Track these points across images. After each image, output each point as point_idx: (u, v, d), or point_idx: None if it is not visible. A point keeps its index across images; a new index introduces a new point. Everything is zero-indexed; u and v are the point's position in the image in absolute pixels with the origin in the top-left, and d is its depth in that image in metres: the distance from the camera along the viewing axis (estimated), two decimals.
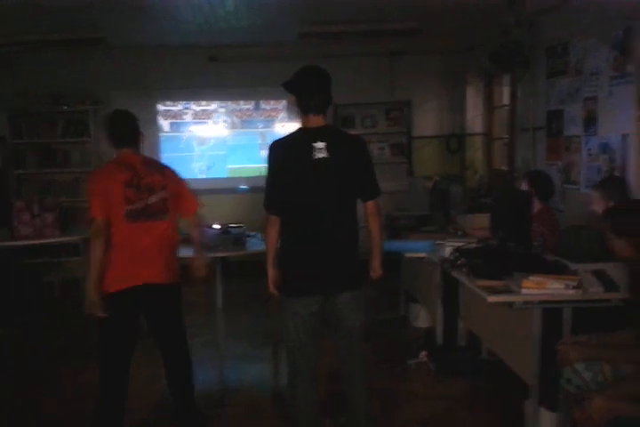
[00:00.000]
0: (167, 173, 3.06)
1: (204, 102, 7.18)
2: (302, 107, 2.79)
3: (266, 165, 2.83)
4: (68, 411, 3.55)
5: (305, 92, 2.77)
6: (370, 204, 2.86)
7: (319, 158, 2.69)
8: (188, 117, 7.19)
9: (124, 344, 2.94)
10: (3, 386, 3.96)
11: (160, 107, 7.09)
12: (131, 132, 3.02)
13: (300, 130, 2.85)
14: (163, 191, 2.96)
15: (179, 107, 7.15)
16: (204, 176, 7.20)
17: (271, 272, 2.84)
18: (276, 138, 2.91)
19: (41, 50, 6.13)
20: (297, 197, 2.74)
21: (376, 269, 2.93)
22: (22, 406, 3.67)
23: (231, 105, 7.23)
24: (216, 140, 7.24)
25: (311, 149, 2.69)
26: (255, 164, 7.16)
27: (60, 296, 6.03)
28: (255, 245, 4.75)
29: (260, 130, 7.30)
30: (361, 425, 2.94)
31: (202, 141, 7.22)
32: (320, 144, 2.69)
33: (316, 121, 2.79)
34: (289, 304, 2.81)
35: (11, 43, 5.83)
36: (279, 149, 2.81)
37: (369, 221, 2.88)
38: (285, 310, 2.82)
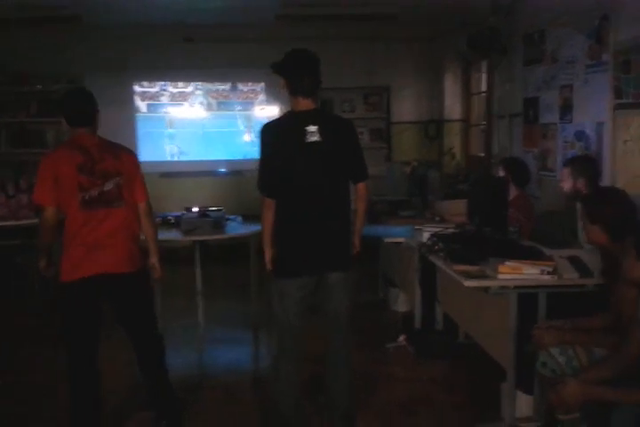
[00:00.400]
0: (124, 157, 2.92)
1: (180, 84, 7.10)
2: (292, 89, 2.81)
3: (257, 148, 2.86)
4: (40, 395, 3.52)
5: (295, 75, 2.80)
6: (360, 186, 2.95)
7: (312, 142, 2.73)
8: (164, 99, 7.11)
9: (86, 333, 2.87)
10: None
11: (137, 88, 7.00)
12: (85, 110, 2.86)
13: (290, 113, 2.88)
14: (118, 177, 2.85)
15: (156, 88, 7.07)
16: (181, 158, 7.15)
17: (268, 252, 2.88)
18: (266, 121, 2.94)
19: (15, 27, 6.00)
20: (290, 180, 2.77)
21: (356, 245, 3.01)
22: None
23: (207, 86, 7.16)
24: (193, 122, 7.17)
25: (304, 133, 2.73)
26: (234, 146, 7.14)
27: (35, 278, 5.95)
28: (235, 228, 4.73)
29: (238, 112, 7.25)
30: (341, 408, 2.99)
31: (179, 123, 7.16)
32: (312, 128, 2.73)
33: (306, 104, 2.81)
34: (281, 286, 2.85)
35: None
36: (271, 133, 2.83)
37: (357, 202, 2.96)
38: (276, 291, 2.87)
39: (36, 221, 4.99)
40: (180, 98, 7.13)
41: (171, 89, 7.10)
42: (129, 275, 2.89)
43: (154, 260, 3.09)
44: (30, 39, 6.48)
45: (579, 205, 2.89)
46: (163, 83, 7.06)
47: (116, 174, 2.85)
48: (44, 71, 6.61)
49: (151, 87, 7.07)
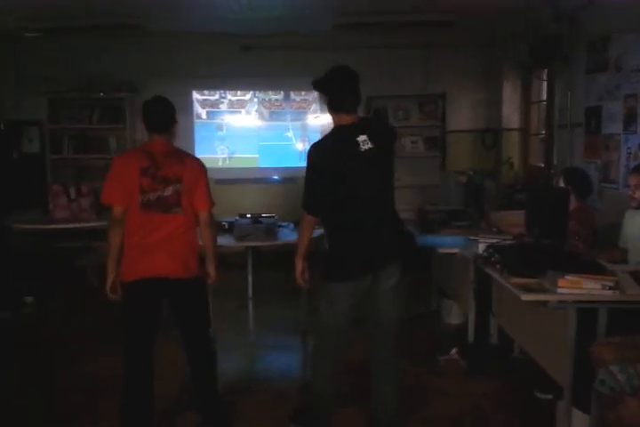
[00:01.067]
0: (188, 165, 2.97)
1: (239, 92, 7.21)
2: (335, 107, 2.90)
3: (305, 167, 2.88)
4: (95, 393, 3.62)
5: (337, 93, 2.88)
6: None
7: (366, 150, 2.80)
8: (223, 106, 7.23)
9: (142, 332, 2.94)
10: (28, 369, 4.04)
11: (198, 96, 7.15)
12: (163, 119, 2.98)
13: (337, 128, 2.93)
14: (178, 184, 2.91)
15: (216, 96, 7.21)
16: (235, 166, 7.25)
17: (300, 265, 2.96)
18: (314, 142, 2.98)
19: (79, 35, 6.22)
20: (345, 191, 2.82)
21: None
22: (51, 387, 3.75)
23: (261, 95, 7.26)
24: (248, 130, 7.26)
25: (357, 143, 2.80)
26: (287, 155, 7.20)
27: (93, 280, 6.13)
28: (287, 235, 4.76)
29: (291, 122, 7.30)
30: (385, 420, 2.99)
31: (234, 130, 7.26)
32: (362, 137, 2.81)
33: (349, 119, 2.88)
34: (333, 291, 2.89)
35: (48, 28, 5.91)
36: (322, 150, 2.88)
37: None
38: (327, 296, 2.92)
39: (96, 224, 5.24)
40: (237, 106, 7.24)
41: (230, 97, 7.22)
42: (184, 281, 2.95)
43: (210, 268, 3.14)
44: (93, 47, 6.72)
45: None
46: (222, 91, 7.18)
47: (177, 181, 2.91)
48: (107, 79, 6.80)
49: (211, 95, 7.21)
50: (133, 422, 2.94)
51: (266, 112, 7.29)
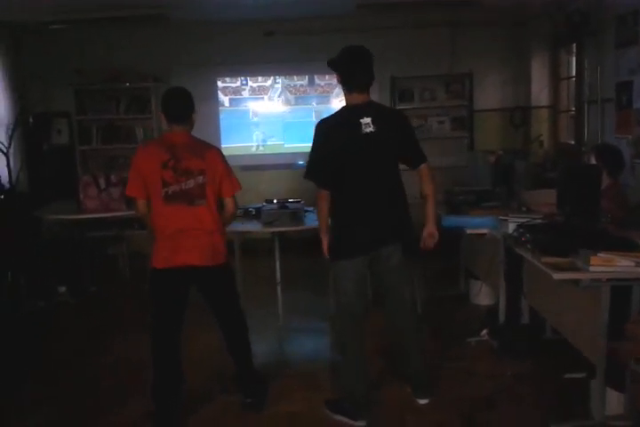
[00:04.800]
0: (209, 157, 3.01)
1: (260, 78, 7.19)
2: (347, 85, 2.98)
3: (312, 142, 3.03)
4: (127, 378, 3.71)
5: (349, 71, 2.96)
6: (422, 168, 3.10)
7: (367, 133, 2.91)
8: (245, 93, 7.23)
9: (170, 318, 3.05)
10: (62, 356, 4.13)
11: (220, 83, 7.15)
12: (182, 109, 3.01)
13: (344, 108, 3.04)
14: (200, 176, 2.96)
15: (237, 83, 7.20)
16: (261, 152, 7.25)
17: (325, 240, 3.10)
18: (323, 117, 3.10)
19: (104, 26, 6.25)
20: (345, 170, 2.95)
21: (432, 233, 3.14)
22: (83, 374, 3.83)
23: (285, 81, 7.22)
24: (272, 115, 7.25)
25: (359, 125, 2.90)
26: (310, 140, 7.17)
27: (125, 269, 6.23)
28: (313, 220, 4.73)
29: (316, 106, 7.26)
30: (419, 379, 3.24)
31: (258, 117, 7.26)
32: (366, 119, 2.91)
33: (360, 97, 2.97)
34: (341, 267, 3.04)
35: (72, 19, 5.95)
36: (327, 127, 3.01)
37: (423, 185, 3.12)
38: (337, 273, 3.07)
39: (126, 213, 5.30)
40: (259, 92, 7.22)
41: (251, 83, 7.21)
42: (212, 269, 3.04)
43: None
44: (119, 37, 6.76)
45: None
46: (243, 78, 7.17)
47: (199, 173, 2.96)
48: (133, 69, 6.83)
49: (233, 82, 7.20)
50: (163, 400, 3.04)
51: (291, 97, 7.26)
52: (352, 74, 2.94)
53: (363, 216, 2.98)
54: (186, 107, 3.02)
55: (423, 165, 3.10)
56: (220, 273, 3.11)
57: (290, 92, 7.24)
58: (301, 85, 7.25)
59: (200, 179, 2.96)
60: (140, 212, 3.05)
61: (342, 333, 3.16)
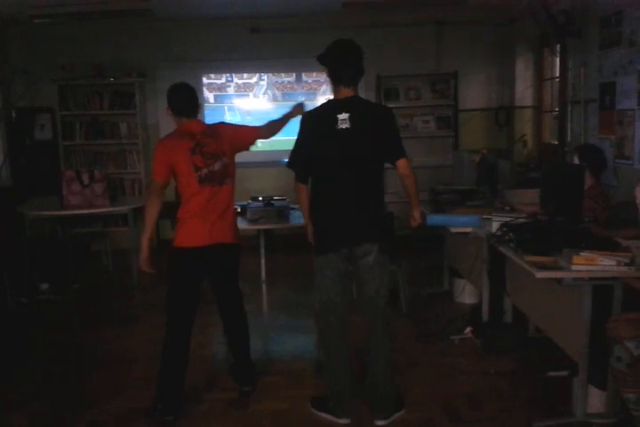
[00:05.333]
0: (222, 136, 3.20)
1: (245, 75, 7.18)
2: (334, 79, 2.98)
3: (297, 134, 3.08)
4: (108, 376, 3.70)
5: (337, 66, 2.95)
6: (399, 164, 3.05)
7: (342, 129, 2.90)
8: (230, 90, 7.20)
9: (191, 299, 3.17)
10: (44, 352, 4.12)
11: (205, 80, 7.12)
12: (193, 104, 3.20)
13: (328, 102, 3.06)
14: (224, 157, 3.16)
15: (222, 80, 7.17)
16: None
17: (309, 227, 3.14)
18: (307, 110, 3.18)
19: (87, 20, 6.19)
20: (320, 165, 2.99)
21: (416, 217, 3.19)
22: (63, 371, 3.81)
23: (272, 77, 7.21)
24: (257, 113, 7.23)
25: (335, 121, 2.90)
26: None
27: (109, 265, 6.19)
28: (298, 218, 4.76)
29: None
30: (379, 392, 3.08)
31: (243, 114, 7.23)
32: (343, 115, 2.90)
33: (346, 93, 2.97)
34: (318, 263, 3.07)
35: (56, 14, 5.89)
36: (308, 120, 3.07)
37: (402, 180, 3.10)
38: (316, 269, 3.09)
39: (110, 209, 5.28)
40: (244, 89, 7.20)
41: (236, 80, 7.19)
42: (234, 246, 3.25)
43: None
44: (102, 33, 6.70)
45: None
46: (228, 74, 7.15)
47: (222, 154, 3.16)
48: (117, 65, 6.78)
49: (218, 79, 7.18)
50: (170, 385, 3.13)
51: (278, 94, 7.25)
52: (339, 67, 2.94)
53: (333, 213, 3.00)
54: (196, 101, 3.22)
55: (401, 160, 3.03)
56: (237, 252, 3.31)
57: (277, 88, 7.23)
58: (289, 82, 7.25)
59: (224, 159, 3.16)
60: (158, 189, 3.13)
61: (323, 330, 3.17)
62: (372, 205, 3.00)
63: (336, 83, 2.97)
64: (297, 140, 3.07)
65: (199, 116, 3.28)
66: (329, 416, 3.10)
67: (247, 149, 3.39)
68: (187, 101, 3.18)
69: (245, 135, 3.35)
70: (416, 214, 3.18)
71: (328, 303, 3.07)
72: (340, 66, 2.93)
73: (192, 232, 3.13)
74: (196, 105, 3.22)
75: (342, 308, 3.08)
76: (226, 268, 3.31)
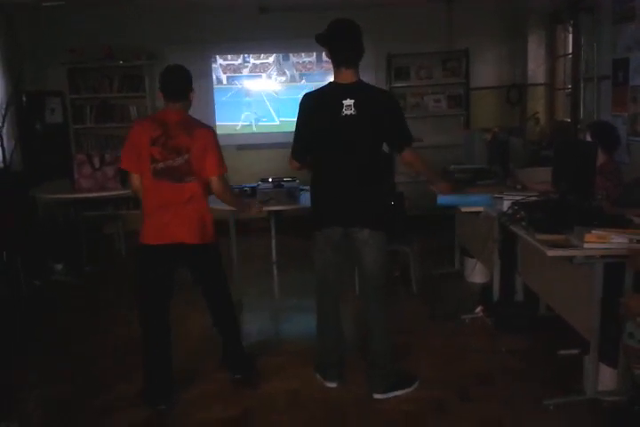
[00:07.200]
0: (197, 134, 2.97)
1: (262, 56, 7.11)
2: (334, 60, 2.95)
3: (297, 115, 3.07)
4: (113, 360, 3.73)
5: (336, 45, 2.92)
6: (404, 156, 3.08)
7: (347, 115, 2.88)
8: (246, 71, 7.14)
9: (156, 292, 3.07)
10: (56, 334, 4.16)
11: (221, 61, 7.08)
12: (180, 87, 3.00)
13: (331, 84, 3.02)
14: (187, 154, 2.95)
15: (239, 60, 7.11)
16: (255, 130, 7.20)
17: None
18: (308, 91, 3.14)
19: (96, 4, 6.15)
20: (322, 148, 3.00)
21: (441, 188, 3.64)
22: (75, 354, 3.84)
23: (293, 58, 7.13)
24: (269, 94, 7.19)
25: (340, 106, 2.88)
26: None
27: (121, 248, 6.23)
28: (309, 199, 4.73)
29: (317, 83, 7.19)
30: (378, 366, 3.15)
31: (256, 94, 7.19)
32: (348, 101, 2.87)
33: (348, 75, 2.94)
34: (314, 239, 3.13)
35: None
36: (310, 103, 3.03)
37: (411, 168, 3.22)
38: (314, 246, 3.16)
39: (121, 192, 5.28)
40: (259, 70, 7.14)
41: (253, 61, 7.12)
42: (199, 246, 3.05)
43: (247, 204, 3.62)
44: (111, 15, 6.65)
45: None
46: (245, 55, 7.09)
47: (186, 151, 2.95)
48: (126, 47, 6.74)
49: (234, 60, 7.11)
50: (154, 375, 3.10)
51: (296, 74, 7.17)
52: (338, 47, 2.91)
53: (330, 192, 3.04)
54: (182, 84, 3.00)
55: (406, 152, 3.05)
56: (207, 252, 3.12)
57: (296, 68, 7.16)
58: (310, 62, 7.15)
59: (187, 156, 2.95)
60: (134, 186, 3.06)
61: (317, 301, 3.29)
62: (369, 192, 3.02)
63: (337, 64, 2.94)
64: (296, 126, 3.06)
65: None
66: (320, 378, 3.29)
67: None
68: (168, 83, 2.99)
69: (207, 166, 3.01)
70: (438, 187, 3.49)
71: (318, 276, 3.21)
72: (340, 46, 2.90)
73: (147, 229, 3.03)
74: (181, 89, 2.99)
75: (332, 282, 3.20)
76: (197, 268, 3.18)
